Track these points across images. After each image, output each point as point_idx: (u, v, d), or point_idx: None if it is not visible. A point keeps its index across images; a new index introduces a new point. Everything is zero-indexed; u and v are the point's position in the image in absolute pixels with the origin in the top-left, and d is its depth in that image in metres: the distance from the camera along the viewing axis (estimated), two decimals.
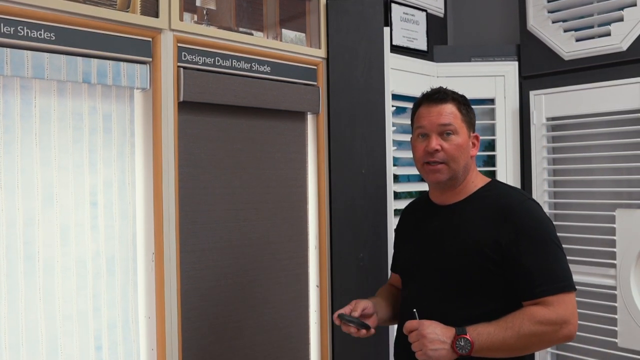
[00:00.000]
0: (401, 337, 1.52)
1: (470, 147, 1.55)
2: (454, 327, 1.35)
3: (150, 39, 1.62)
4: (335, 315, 1.52)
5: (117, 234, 1.61)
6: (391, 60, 2.34)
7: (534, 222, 1.45)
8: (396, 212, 2.45)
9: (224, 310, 1.79)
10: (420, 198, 1.77)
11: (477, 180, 1.57)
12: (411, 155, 2.63)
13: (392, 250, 2.28)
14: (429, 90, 1.61)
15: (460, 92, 1.59)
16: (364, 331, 1.50)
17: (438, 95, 1.55)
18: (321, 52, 2.05)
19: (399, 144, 2.56)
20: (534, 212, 1.47)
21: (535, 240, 1.42)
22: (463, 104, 1.56)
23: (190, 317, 1.71)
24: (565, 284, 1.39)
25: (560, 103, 2.54)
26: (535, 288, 1.39)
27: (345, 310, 1.54)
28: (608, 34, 2.40)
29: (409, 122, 2.64)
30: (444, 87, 1.59)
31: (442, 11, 2.91)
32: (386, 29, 2.28)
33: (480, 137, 2.70)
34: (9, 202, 1.43)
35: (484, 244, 1.43)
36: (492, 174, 2.76)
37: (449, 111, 1.52)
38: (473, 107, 2.77)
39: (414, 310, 1.41)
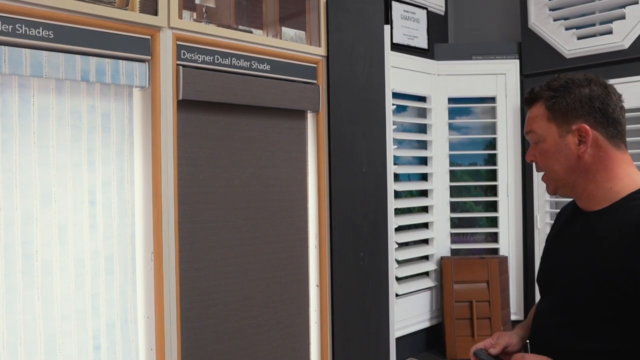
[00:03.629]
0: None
1: (570, 146, 1.24)
2: None
3: (149, 37, 1.61)
4: (471, 350, 1.38)
5: (116, 233, 1.61)
6: (392, 58, 2.33)
7: None
8: (396, 211, 2.45)
9: (223, 309, 1.79)
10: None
11: (622, 183, 1.22)
12: (411, 154, 2.65)
13: (393, 250, 2.28)
14: None
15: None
16: None
17: (527, 98, 1.33)
18: (321, 50, 2.04)
19: (399, 143, 2.55)
20: None
21: None
22: (553, 97, 1.26)
23: (189, 317, 1.70)
24: None
25: None
26: None
27: (484, 344, 1.38)
28: (610, 32, 2.40)
29: (410, 120, 2.65)
30: (545, 83, 1.31)
31: (443, 9, 2.90)
32: (387, 27, 2.27)
33: (482, 136, 2.75)
34: (7, 201, 1.43)
35: (615, 271, 1.13)
36: (493, 173, 2.76)
37: (533, 115, 1.30)
38: (473, 105, 2.75)
39: (527, 341, 1.27)
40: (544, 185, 2.92)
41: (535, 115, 1.29)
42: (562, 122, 1.24)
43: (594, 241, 1.21)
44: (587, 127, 1.22)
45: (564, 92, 1.25)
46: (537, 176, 2.64)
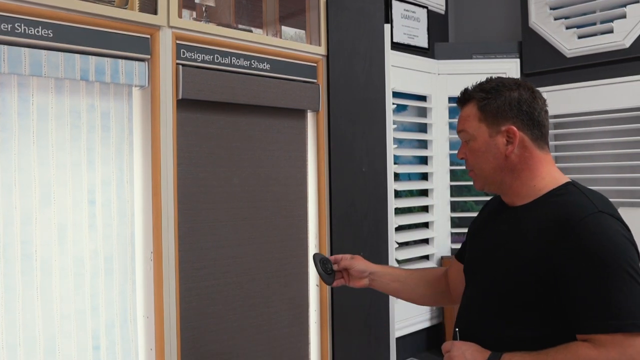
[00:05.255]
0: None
1: (499, 146, 1.30)
2: (489, 352, 1.24)
3: (148, 36, 1.61)
4: (315, 255, 1.58)
5: (115, 233, 1.60)
6: (392, 57, 2.33)
7: (598, 242, 1.17)
8: (397, 210, 2.44)
9: (223, 309, 1.78)
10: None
11: (544, 182, 1.30)
12: (411, 154, 2.64)
13: (393, 249, 2.28)
14: None
15: (461, 89, 1.47)
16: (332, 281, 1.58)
17: (460, 98, 1.39)
18: (321, 50, 2.04)
19: (399, 142, 2.55)
20: (601, 229, 1.19)
21: (594, 264, 1.16)
22: (484, 98, 1.33)
23: (188, 317, 1.70)
24: (626, 323, 1.13)
25: (562, 101, 2.53)
26: (584, 321, 1.17)
27: (333, 257, 1.60)
28: (610, 31, 2.39)
29: (410, 119, 2.64)
30: (477, 84, 1.38)
31: (443, 8, 2.90)
32: (387, 26, 2.26)
33: None
34: (6, 200, 1.42)
35: (536, 261, 1.22)
36: None
37: (465, 115, 1.36)
38: None
39: (456, 329, 1.33)
40: None
41: (468, 115, 1.34)
42: (492, 123, 1.31)
43: (517, 234, 1.29)
44: (515, 128, 1.29)
45: (495, 94, 1.32)
46: None
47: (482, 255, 1.40)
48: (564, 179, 1.32)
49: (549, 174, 1.31)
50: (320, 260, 1.57)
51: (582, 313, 1.17)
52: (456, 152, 2.71)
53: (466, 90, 1.38)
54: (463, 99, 1.38)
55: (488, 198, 2.82)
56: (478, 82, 1.39)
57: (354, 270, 1.58)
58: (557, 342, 1.19)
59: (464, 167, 2.72)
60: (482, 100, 1.33)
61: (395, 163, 2.42)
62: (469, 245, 1.51)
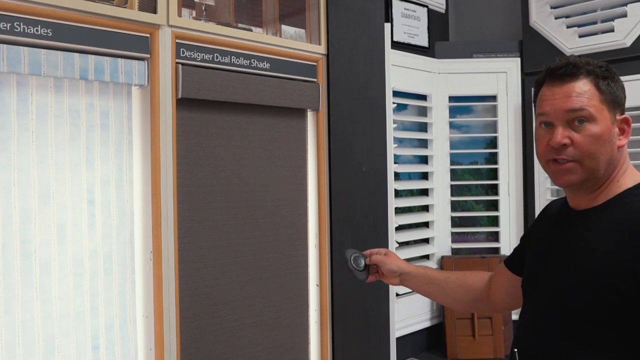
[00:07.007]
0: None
1: (615, 135, 1.14)
2: None
3: (148, 35, 1.60)
4: (347, 251, 1.59)
5: (115, 232, 1.60)
6: (392, 56, 2.32)
7: None
8: (397, 210, 2.44)
9: (223, 309, 1.78)
10: (563, 198, 1.31)
11: (624, 179, 1.15)
12: (412, 153, 2.64)
13: (394, 249, 2.27)
14: (555, 62, 1.18)
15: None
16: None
17: (566, 70, 1.14)
18: (321, 49, 2.03)
19: (399, 141, 2.54)
20: None
21: None
22: (603, 77, 1.13)
23: (188, 317, 1.69)
24: None
25: None
26: None
27: (370, 251, 1.61)
28: (611, 30, 2.39)
29: (410, 119, 2.64)
30: (577, 57, 1.17)
31: (444, 7, 2.90)
32: (387, 25, 2.26)
33: (483, 135, 2.74)
34: (5, 200, 1.42)
35: (613, 272, 1.04)
36: (494, 172, 2.75)
37: (582, 90, 1.12)
38: (474, 104, 2.74)
39: (515, 350, 1.19)
40: (545, 184, 2.88)
41: (585, 92, 1.12)
42: (612, 108, 1.14)
43: (591, 241, 1.12)
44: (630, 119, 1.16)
45: (612, 76, 1.16)
46: (538, 175, 2.62)
47: (544, 267, 1.22)
48: None
49: (631, 170, 1.18)
50: (352, 257, 1.55)
51: None
52: (456, 151, 2.73)
53: (576, 62, 1.15)
54: (575, 72, 1.14)
55: (488, 198, 2.82)
56: (584, 59, 1.17)
57: (385, 269, 1.56)
58: None
59: (464, 167, 2.73)
60: (603, 80, 1.13)
61: (395, 162, 2.42)
62: (528, 258, 1.32)
